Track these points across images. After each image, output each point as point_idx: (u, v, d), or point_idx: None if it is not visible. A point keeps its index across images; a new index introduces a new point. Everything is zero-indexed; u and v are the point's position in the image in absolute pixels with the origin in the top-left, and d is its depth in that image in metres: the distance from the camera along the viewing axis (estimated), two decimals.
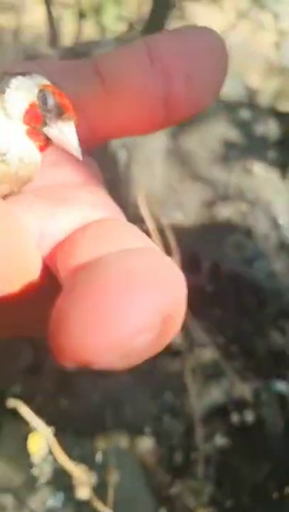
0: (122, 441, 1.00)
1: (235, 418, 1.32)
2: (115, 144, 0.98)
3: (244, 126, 1.10)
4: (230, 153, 1.06)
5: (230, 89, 1.14)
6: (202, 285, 0.89)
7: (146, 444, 1.39)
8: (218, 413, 1.35)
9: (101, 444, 0.98)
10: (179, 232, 1.00)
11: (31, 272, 0.14)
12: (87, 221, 0.14)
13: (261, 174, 1.04)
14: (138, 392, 1.05)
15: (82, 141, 0.17)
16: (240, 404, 1.17)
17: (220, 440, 1.33)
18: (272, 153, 1.08)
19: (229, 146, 1.06)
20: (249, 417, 1.34)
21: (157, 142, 1.03)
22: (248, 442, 1.39)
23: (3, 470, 1.12)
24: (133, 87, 0.16)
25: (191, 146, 1.06)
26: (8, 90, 0.16)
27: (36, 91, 0.16)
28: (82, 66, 0.17)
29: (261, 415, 1.36)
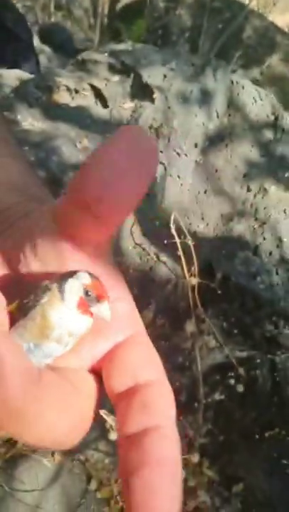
0: None
1: (232, 376, 1.57)
2: None
3: (266, 146, 1.25)
4: (251, 172, 1.23)
5: (259, 109, 1.27)
6: (214, 288, 1.13)
7: None
8: (219, 373, 1.62)
9: None
10: (200, 241, 1.21)
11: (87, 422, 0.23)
12: (115, 343, 0.25)
13: (275, 194, 1.21)
14: None
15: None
16: (237, 366, 1.40)
17: (218, 397, 1.62)
18: (288, 174, 1.24)
19: (250, 165, 1.22)
20: (244, 375, 1.59)
21: (189, 158, 1.20)
22: (241, 394, 1.67)
23: None
24: None
25: (218, 163, 1.23)
26: (65, 295, 0.24)
27: (82, 289, 0.24)
28: None
29: (254, 375, 1.63)
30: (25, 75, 1.63)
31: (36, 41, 2.97)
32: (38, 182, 0.36)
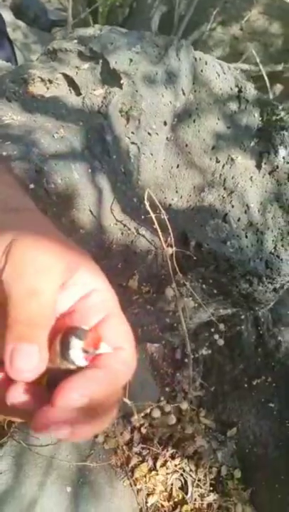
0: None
1: (218, 332, 1.75)
2: (127, 142, 1.30)
3: (232, 118, 1.38)
4: (219, 144, 1.36)
5: (223, 83, 1.39)
6: (190, 255, 1.29)
7: (153, 347, 1.88)
8: (206, 330, 1.80)
9: None
10: (175, 213, 1.36)
11: None
12: (86, 291, 0.37)
13: (242, 163, 1.35)
14: (145, 320, 1.50)
15: None
16: (217, 323, 1.58)
17: (208, 352, 1.80)
18: (253, 143, 1.37)
19: (218, 137, 1.36)
20: (228, 330, 1.78)
21: (160, 137, 1.34)
22: (230, 348, 1.87)
23: None
24: None
25: (187, 138, 1.37)
26: (76, 363, 0.33)
27: (82, 353, 0.33)
28: None
29: (239, 329, 1.81)
30: (2, 64, 1.75)
31: (10, 17, 3.02)
32: (19, 192, 0.45)
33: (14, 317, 0.32)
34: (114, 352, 0.35)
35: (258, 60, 3.20)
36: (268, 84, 3.23)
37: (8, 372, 0.32)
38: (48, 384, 0.33)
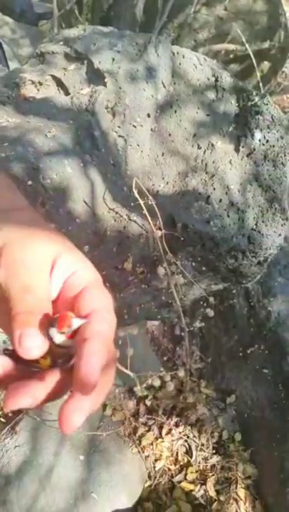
0: (134, 329, 1.63)
1: (211, 306, 1.92)
2: (114, 135, 1.45)
3: (210, 106, 1.53)
4: (199, 131, 1.52)
5: (200, 74, 1.54)
6: (177, 236, 1.45)
7: (154, 325, 2.06)
8: (201, 305, 1.97)
9: (120, 333, 1.62)
10: (162, 198, 1.52)
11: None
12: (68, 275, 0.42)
13: (221, 147, 1.50)
14: (142, 299, 1.66)
15: None
16: (217, 296, 1.74)
17: (204, 326, 1.97)
18: (231, 128, 1.52)
19: (198, 125, 1.51)
20: (221, 304, 1.94)
21: (144, 128, 1.49)
22: (224, 321, 2.03)
23: None
24: None
25: (170, 128, 1.52)
26: (58, 341, 0.39)
27: (60, 335, 0.38)
28: None
29: (232, 304, 1.98)
30: None
31: None
32: (9, 192, 0.50)
33: (16, 311, 0.38)
34: (89, 319, 0.39)
35: (243, 40, 3.30)
36: (254, 62, 3.34)
37: (18, 352, 0.37)
38: (52, 361, 0.40)
